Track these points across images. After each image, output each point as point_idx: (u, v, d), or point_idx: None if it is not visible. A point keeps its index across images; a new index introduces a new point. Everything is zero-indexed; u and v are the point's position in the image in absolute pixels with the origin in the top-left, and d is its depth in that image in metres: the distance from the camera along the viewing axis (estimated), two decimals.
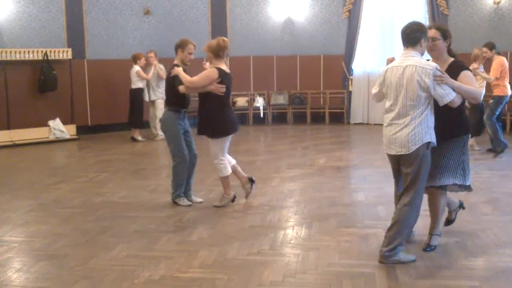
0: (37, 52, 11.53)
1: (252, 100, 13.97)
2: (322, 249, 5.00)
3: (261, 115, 13.73)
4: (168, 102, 6.57)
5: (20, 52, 11.36)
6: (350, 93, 13.81)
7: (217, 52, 6.24)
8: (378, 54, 13.60)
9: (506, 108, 12.19)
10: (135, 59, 11.50)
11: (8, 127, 11.43)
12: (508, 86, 9.43)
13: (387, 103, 4.69)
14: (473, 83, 4.76)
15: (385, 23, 13.51)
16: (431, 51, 4.85)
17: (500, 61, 9.33)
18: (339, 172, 8.44)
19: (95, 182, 7.92)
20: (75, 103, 12.21)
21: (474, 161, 8.73)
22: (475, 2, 12.93)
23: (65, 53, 11.85)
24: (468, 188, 5.00)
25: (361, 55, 13.71)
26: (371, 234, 5.37)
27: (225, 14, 13.82)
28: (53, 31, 12.10)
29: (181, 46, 6.48)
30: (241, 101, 13.88)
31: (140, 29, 13.17)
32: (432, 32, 4.77)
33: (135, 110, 11.57)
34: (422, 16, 13.01)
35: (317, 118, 14.06)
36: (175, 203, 6.58)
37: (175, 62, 6.48)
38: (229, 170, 6.44)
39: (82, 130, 12.32)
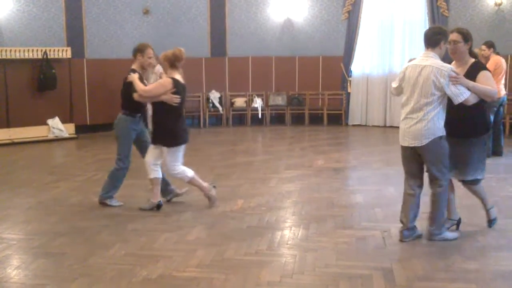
0: (37, 51, 11.55)
1: (250, 101, 13.99)
2: (319, 250, 5.01)
3: (259, 115, 13.76)
4: (123, 106, 6.54)
5: (20, 51, 11.38)
6: (348, 94, 13.81)
7: (173, 62, 6.17)
8: (377, 55, 13.61)
9: (505, 111, 12.19)
10: None
11: (8, 125, 11.46)
12: (502, 88, 9.40)
13: (404, 98, 5.13)
14: (490, 83, 5.06)
15: (385, 24, 13.49)
16: (453, 53, 5.21)
17: (496, 59, 9.33)
18: (337, 173, 8.46)
19: (93, 181, 7.94)
20: (74, 102, 12.24)
21: None
22: (476, 3, 12.87)
23: (65, 52, 11.88)
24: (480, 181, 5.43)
25: (360, 56, 13.71)
26: (369, 236, 5.39)
27: (224, 15, 13.83)
28: (52, 30, 12.12)
29: (140, 50, 6.44)
30: (239, 102, 13.90)
31: (139, 29, 13.19)
32: (454, 36, 5.14)
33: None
34: (422, 18, 13.01)
35: (315, 119, 14.08)
36: (103, 204, 6.56)
37: (133, 67, 6.45)
38: (191, 172, 6.37)
39: (81, 129, 12.34)
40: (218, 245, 5.15)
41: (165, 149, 6.22)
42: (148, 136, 6.67)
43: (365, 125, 13.81)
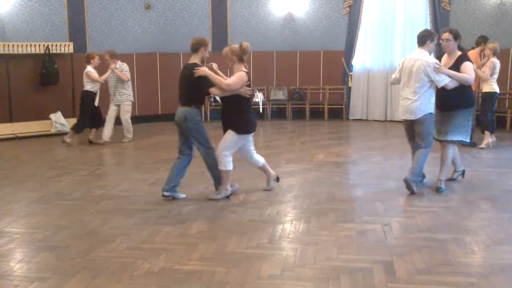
0: (39, 46, 11.57)
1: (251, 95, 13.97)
2: (320, 244, 5.05)
3: (260, 110, 13.75)
4: (193, 101, 6.54)
5: (22, 46, 11.40)
6: (349, 89, 13.82)
7: (241, 56, 6.44)
8: (379, 50, 13.58)
9: (506, 105, 12.23)
10: (88, 58, 10.49)
11: (11, 120, 11.50)
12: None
13: (402, 83, 6.75)
14: (469, 72, 6.57)
15: (386, 19, 13.45)
16: (445, 48, 6.73)
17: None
18: (337, 167, 8.48)
19: (95, 175, 7.98)
20: (76, 96, 12.24)
21: (472, 158, 8.81)
22: None
23: (67, 47, 11.89)
24: (472, 145, 7.54)
25: (361, 51, 13.71)
26: (370, 230, 5.42)
27: (225, 9, 13.83)
28: (55, 25, 12.14)
29: (205, 44, 6.58)
30: None
31: (141, 24, 13.21)
32: (446, 35, 6.67)
33: (85, 113, 10.61)
34: (423, 12, 12.98)
35: (316, 114, 14.08)
36: (218, 189, 6.64)
37: (195, 61, 6.48)
38: (231, 166, 6.50)
39: None
40: (220, 239, 5.19)
41: (231, 133, 6.54)
42: None
43: (366, 120, 13.81)
